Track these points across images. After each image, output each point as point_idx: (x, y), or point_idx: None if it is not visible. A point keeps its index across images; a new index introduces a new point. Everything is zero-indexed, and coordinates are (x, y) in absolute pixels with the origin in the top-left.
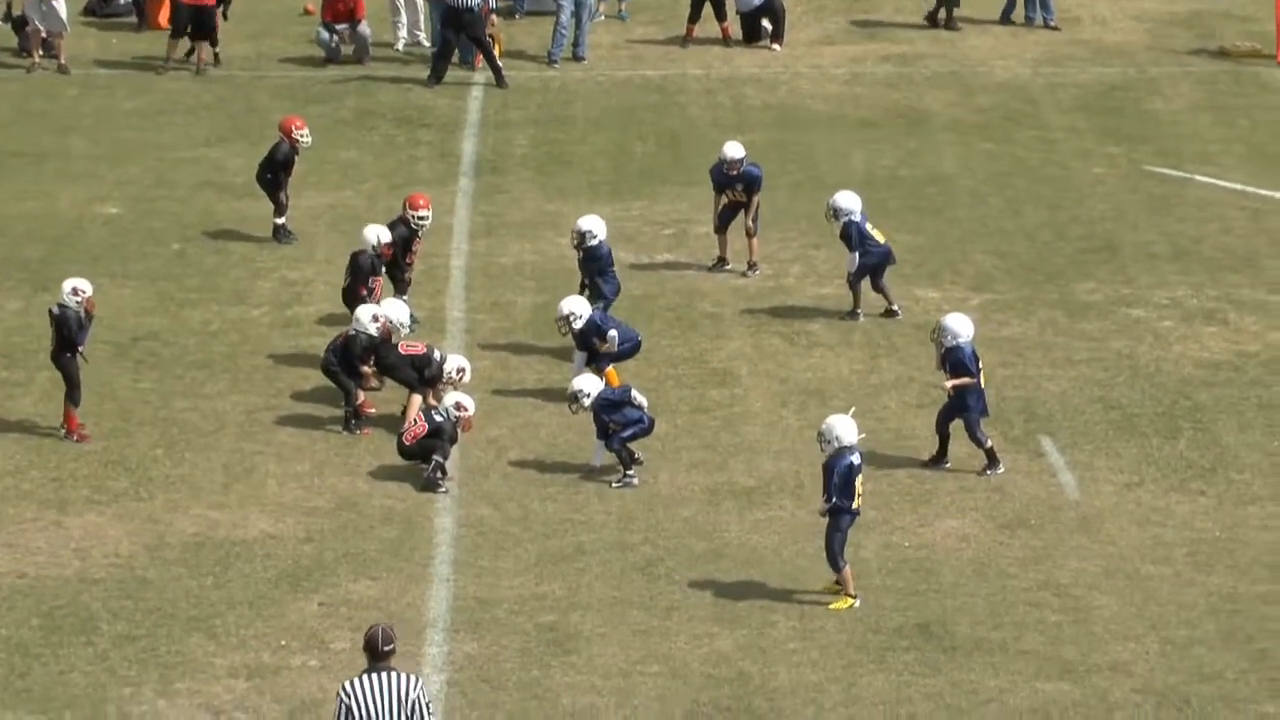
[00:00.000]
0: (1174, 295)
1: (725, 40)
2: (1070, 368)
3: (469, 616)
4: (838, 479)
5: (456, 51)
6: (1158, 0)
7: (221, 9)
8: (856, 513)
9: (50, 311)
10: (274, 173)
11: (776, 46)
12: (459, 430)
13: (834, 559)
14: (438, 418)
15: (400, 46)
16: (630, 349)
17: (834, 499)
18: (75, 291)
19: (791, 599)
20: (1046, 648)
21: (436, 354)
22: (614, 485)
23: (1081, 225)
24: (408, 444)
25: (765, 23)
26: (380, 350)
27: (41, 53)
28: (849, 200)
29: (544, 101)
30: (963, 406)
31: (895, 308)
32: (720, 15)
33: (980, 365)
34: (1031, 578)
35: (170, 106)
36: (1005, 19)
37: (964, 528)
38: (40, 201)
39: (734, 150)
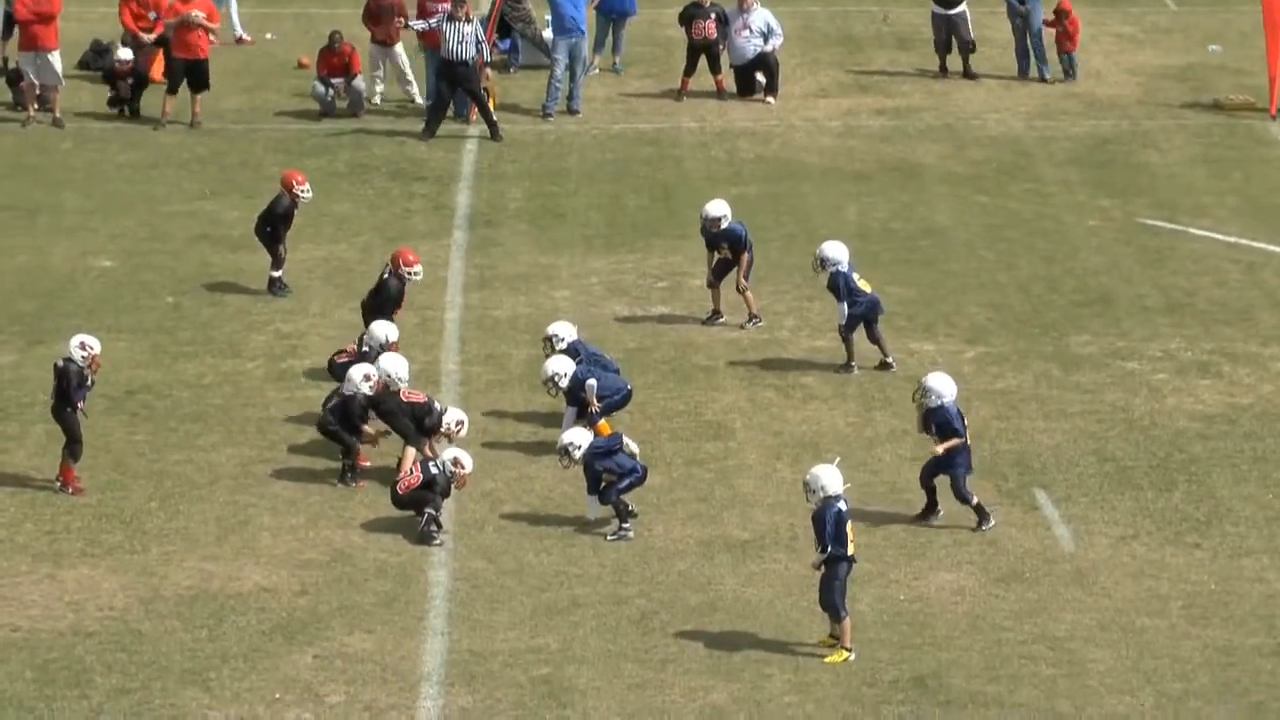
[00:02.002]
0: (1168, 348)
1: (720, 93)
2: (1065, 420)
3: (464, 669)
4: (830, 527)
5: (451, 105)
6: (1151, 54)
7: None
8: (853, 560)
9: (55, 365)
10: (273, 225)
11: (771, 99)
12: (453, 486)
13: (835, 609)
14: (433, 469)
15: (378, 100)
16: (620, 400)
17: (829, 548)
18: (83, 346)
19: (787, 652)
20: (1042, 701)
21: (436, 405)
22: (609, 538)
23: (1075, 278)
24: (401, 494)
25: (759, 76)
26: (380, 398)
27: (36, 106)
28: (836, 250)
29: (538, 154)
30: (949, 464)
31: (890, 360)
32: (715, 68)
33: (966, 423)
34: (1026, 631)
35: (164, 160)
36: (1022, 74)
37: (959, 580)
38: (33, 255)
39: (715, 209)
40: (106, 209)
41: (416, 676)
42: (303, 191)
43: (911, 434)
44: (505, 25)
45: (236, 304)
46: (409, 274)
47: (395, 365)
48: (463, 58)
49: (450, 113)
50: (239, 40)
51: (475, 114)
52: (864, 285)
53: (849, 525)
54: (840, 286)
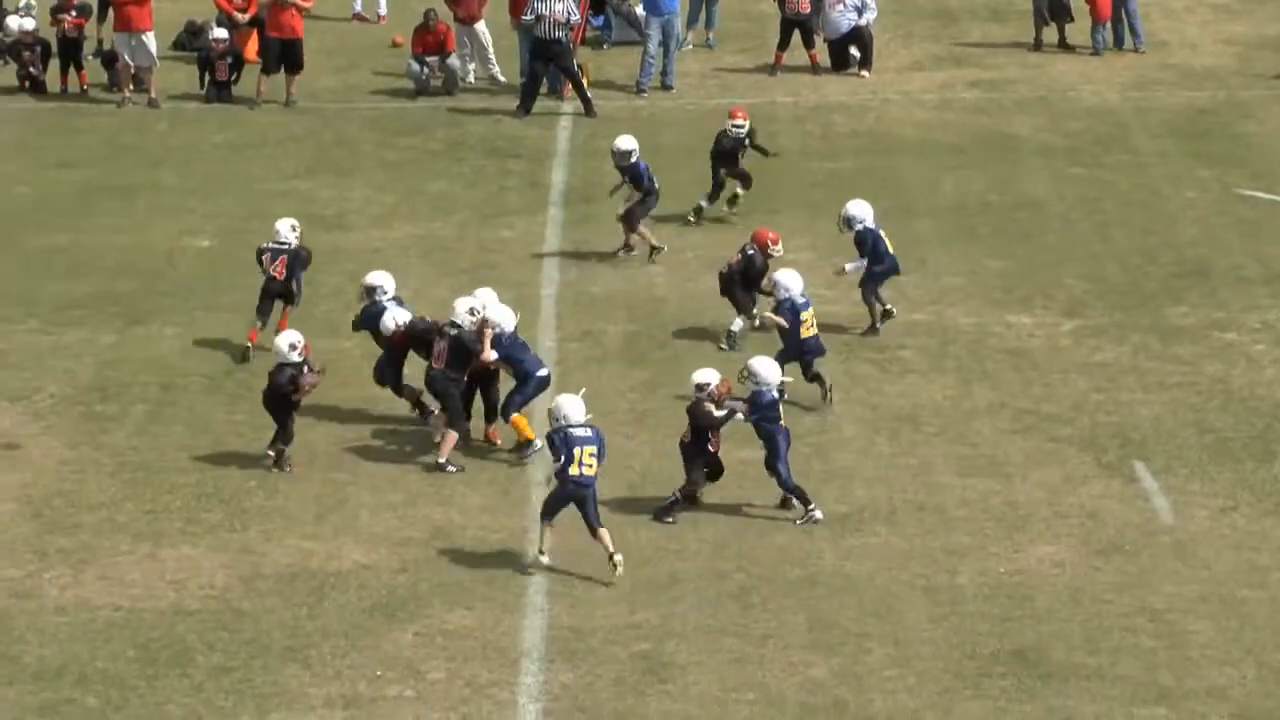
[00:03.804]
0: (1266, 319)
1: (814, 68)
2: (1163, 392)
3: (564, 646)
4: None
5: (545, 81)
6: (1247, 24)
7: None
8: (579, 482)
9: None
10: None
11: (865, 73)
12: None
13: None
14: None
15: (472, 79)
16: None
17: (560, 461)
18: (292, 347)
19: (886, 626)
20: (1142, 673)
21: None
22: (798, 523)
23: (1173, 249)
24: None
25: (854, 50)
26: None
27: (132, 88)
28: (861, 209)
29: (633, 130)
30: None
31: (889, 307)
32: (808, 43)
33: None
34: (1126, 603)
35: (260, 139)
36: (1095, 45)
37: (1058, 553)
38: (132, 235)
39: (623, 143)
40: (204, 189)
41: (517, 653)
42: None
43: (1010, 406)
44: (599, 2)
45: (333, 283)
46: (774, 253)
47: (503, 314)
48: (556, 35)
49: (544, 89)
50: (356, 17)
51: (569, 90)
52: (889, 246)
53: (583, 449)
54: (868, 243)
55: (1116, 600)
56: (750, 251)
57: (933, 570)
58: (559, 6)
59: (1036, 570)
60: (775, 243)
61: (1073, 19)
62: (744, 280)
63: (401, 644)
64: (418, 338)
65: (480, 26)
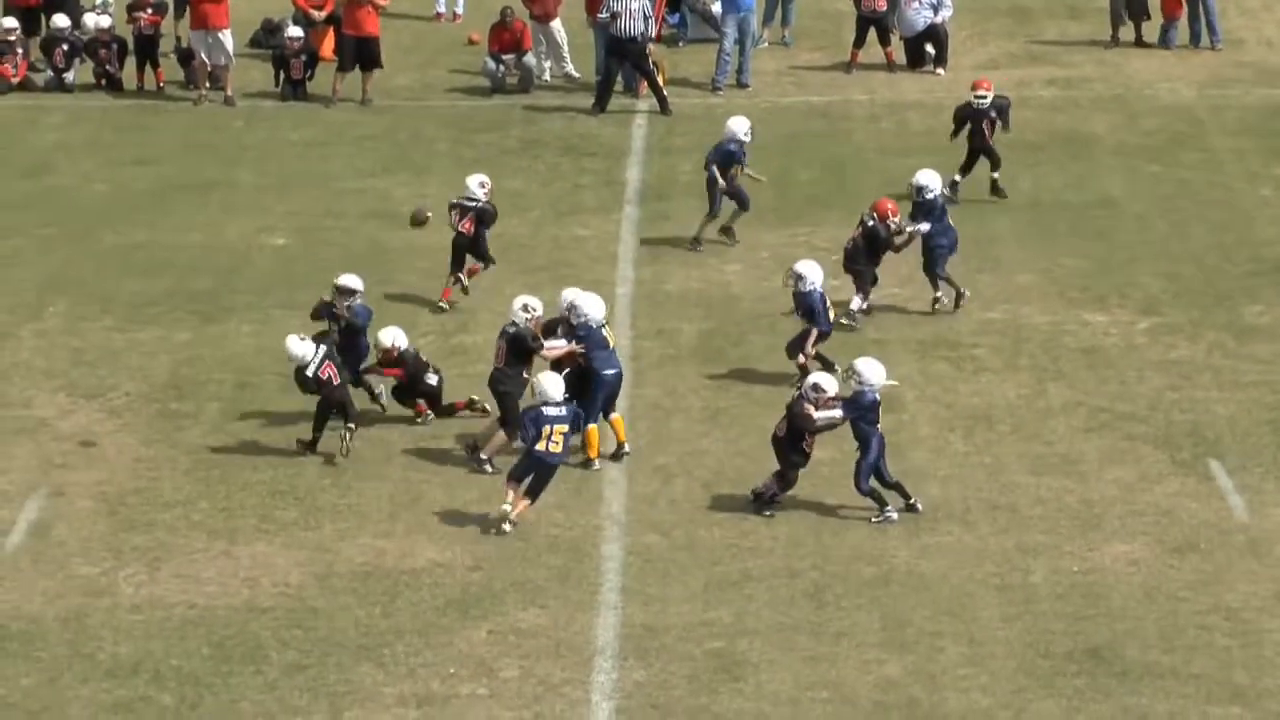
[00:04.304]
0: None
1: (889, 65)
2: (1239, 390)
3: (637, 644)
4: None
5: (620, 79)
6: None
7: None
8: (549, 459)
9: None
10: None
11: (941, 71)
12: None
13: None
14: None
15: (547, 77)
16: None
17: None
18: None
19: (960, 624)
20: (1217, 672)
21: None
22: (874, 521)
23: (1249, 247)
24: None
25: (929, 47)
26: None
27: (208, 85)
28: (930, 177)
29: (709, 128)
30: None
31: (940, 297)
32: (884, 40)
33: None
34: (1201, 601)
35: (336, 137)
36: (1165, 42)
37: (1133, 551)
38: (207, 233)
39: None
40: (279, 186)
41: (590, 651)
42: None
43: (1085, 405)
44: (674, 0)
45: (407, 280)
46: (893, 224)
47: (592, 304)
48: (631, 34)
49: (620, 87)
50: (438, 16)
51: (644, 88)
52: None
53: (553, 427)
54: (938, 209)
55: (1191, 599)
56: (870, 222)
57: (1006, 569)
58: (635, 5)
59: (1111, 569)
60: (895, 213)
61: (1149, 17)
62: (869, 252)
63: (475, 642)
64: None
65: (556, 24)
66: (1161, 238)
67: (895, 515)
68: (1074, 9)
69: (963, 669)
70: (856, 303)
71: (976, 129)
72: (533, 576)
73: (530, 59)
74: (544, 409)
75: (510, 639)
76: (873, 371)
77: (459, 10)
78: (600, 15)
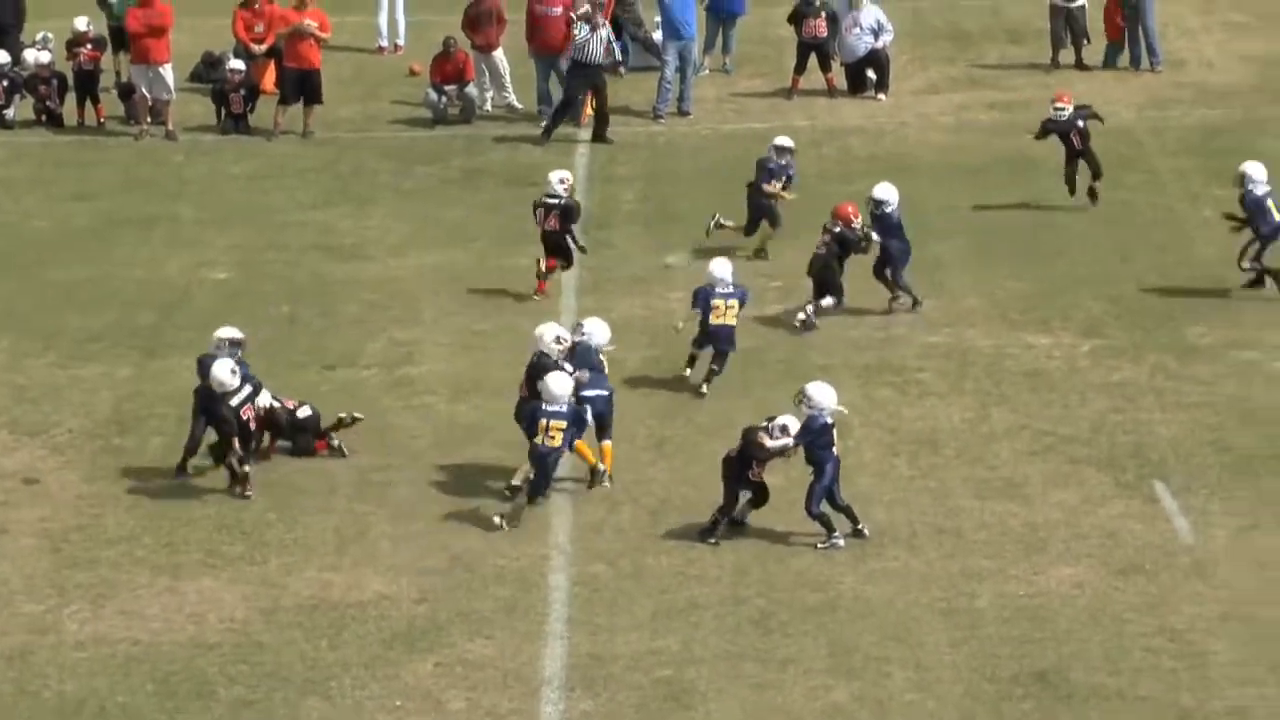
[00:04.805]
0: None
1: (830, 91)
2: (1182, 411)
3: (584, 673)
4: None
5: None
6: (1264, 41)
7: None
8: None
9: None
10: None
11: (882, 96)
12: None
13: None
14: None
15: (489, 107)
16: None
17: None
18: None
19: (907, 650)
20: (1164, 694)
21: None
22: (820, 546)
23: (1191, 268)
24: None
25: (870, 73)
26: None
27: (149, 120)
28: (887, 191)
29: (650, 156)
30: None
31: (900, 296)
32: (825, 66)
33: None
34: (1147, 623)
35: (277, 170)
36: (1110, 64)
37: (1078, 574)
38: (149, 268)
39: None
40: (221, 220)
41: (537, 681)
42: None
43: (1030, 428)
44: (617, 28)
45: (350, 312)
46: (856, 225)
47: (599, 328)
48: (594, 60)
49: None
50: (380, 49)
51: (586, 117)
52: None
53: (549, 421)
54: (894, 224)
55: (1137, 621)
56: (837, 229)
57: (952, 593)
58: (604, 31)
59: (1056, 592)
60: (856, 215)
61: (1090, 40)
62: (842, 257)
63: (422, 674)
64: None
65: (498, 54)
66: (1103, 260)
67: (842, 542)
68: (1014, 33)
69: (910, 694)
70: (828, 301)
71: (1066, 142)
72: (479, 607)
73: (472, 89)
74: (543, 405)
75: (457, 670)
76: (823, 395)
77: (400, 42)
78: (575, 36)
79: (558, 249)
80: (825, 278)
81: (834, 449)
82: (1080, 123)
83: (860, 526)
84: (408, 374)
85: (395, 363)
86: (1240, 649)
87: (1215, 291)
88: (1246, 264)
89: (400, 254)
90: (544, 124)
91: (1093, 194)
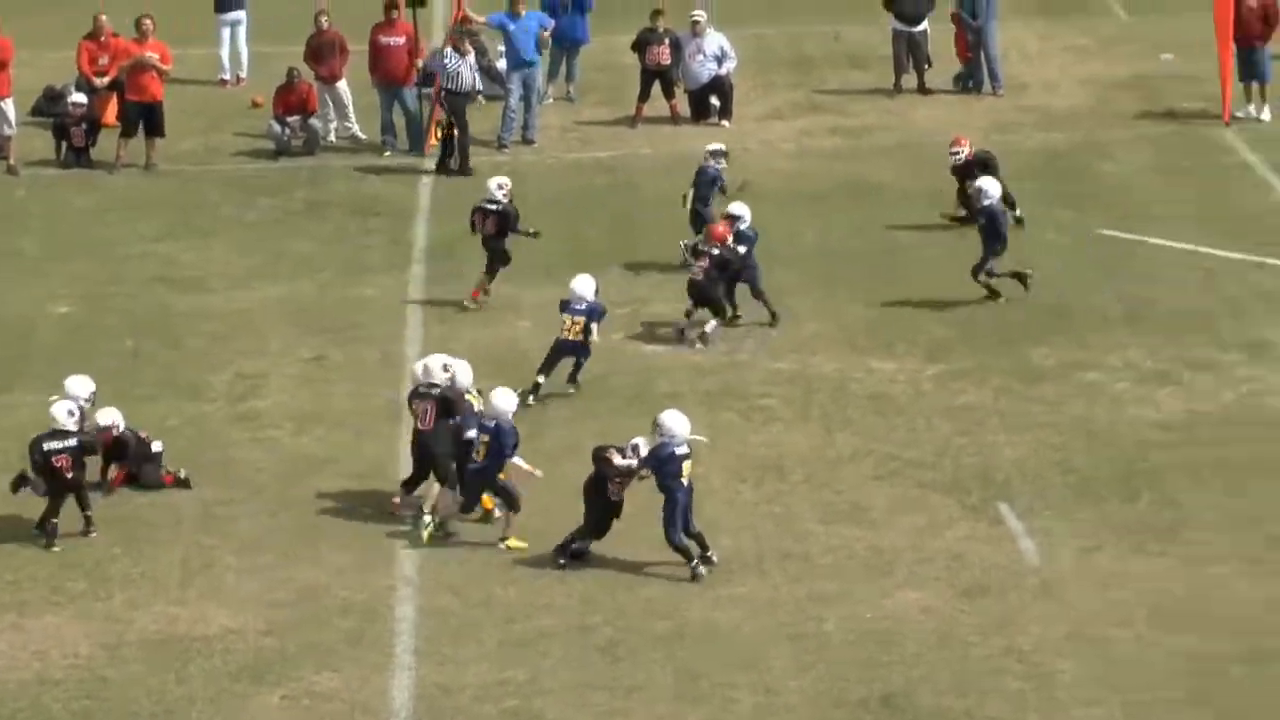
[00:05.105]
0: (1128, 358)
1: (674, 118)
2: (1027, 433)
3: (432, 704)
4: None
5: (407, 139)
6: (1104, 64)
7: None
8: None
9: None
10: None
11: (725, 123)
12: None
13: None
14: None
15: (332, 138)
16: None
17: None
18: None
19: (753, 675)
20: (1010, 714)
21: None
22: (696, 571)
23: (1034, 290)
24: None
25: (714, 99)
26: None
27: None
28: (743, 209)
29: None
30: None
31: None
32: (668, 93)
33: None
34: (993, 645)
35: (119, 204)
36: (963, 86)
37: (925, 598)
38: None
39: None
40: (63, 254)
41: (385, 713)
42: None
43: (875, 453)
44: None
45: (195, 345)
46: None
47: (464, 368)
48: (464, 89)
49: (405, 146)
50: (222, 81)
51: (431, 146)
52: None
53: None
54: (751, 239)
55: (983, 642)
56: (715, 251)
57: (799, 618)
58: (472, 59)
59: (903, 615)
60: (728, 233)
61: (931, 64)
62: (723, 278)
63: (269, 707)
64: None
65: (341, 85)
66: (947, 283)
67: (704, 570)
68: (856, 58)
69: None
70: (713, 325)
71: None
72: (326, 640)
73: (315, 121)
74: (484, 422)
75: (305, 703)
76: (675, 424)
77: (243, 74)
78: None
79: (495, 253)
80: (708, 300)
81: (683, 478)
82: (976, 169)
83: (709, 554)
84: (254, 407)
85: (241, 395)
86: (1086, 668)
87: (1058, 313)
88: (983, 278)
89: (244, 286)
90: (457, 157)
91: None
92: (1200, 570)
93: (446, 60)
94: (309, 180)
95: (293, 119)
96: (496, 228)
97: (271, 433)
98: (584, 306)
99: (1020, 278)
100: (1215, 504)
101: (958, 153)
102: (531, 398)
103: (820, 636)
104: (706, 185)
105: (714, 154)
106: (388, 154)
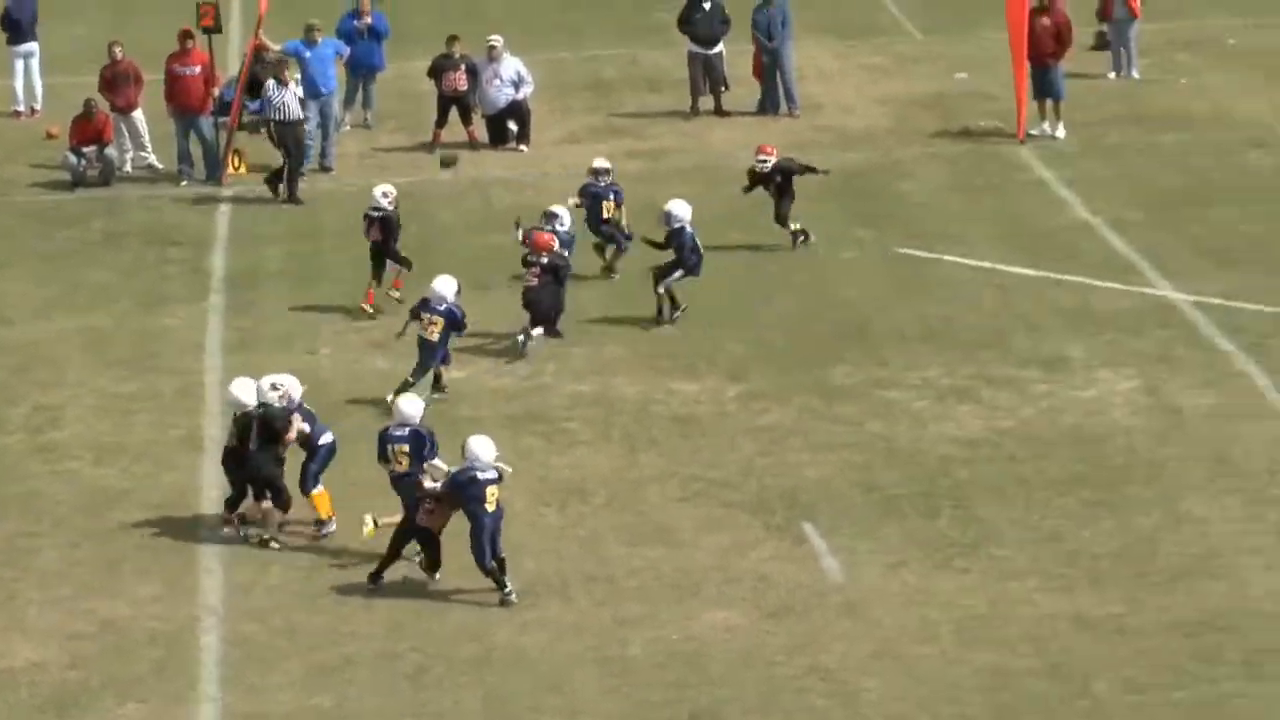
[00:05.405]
0: (927, 375)
1: (472, 143)
2: (829, 452)
3: None
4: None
5: (204, 168)
6: (901, 83)
7: None
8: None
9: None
10: None
11: (523, 147)
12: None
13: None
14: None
15: (129, 169)
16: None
17: None
18: (274, 386)
19: (560, 699)
20: None
21: None
22: (507, 597)
23: (833, 310)
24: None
25: (511, 124)
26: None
27: None
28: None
29: (294, 214)
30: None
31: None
32: (466, 119)
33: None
34: (799, 664)
35: None
36: (762, 109)
37: (730, 618)
38: None
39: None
40: None
41: None
42: None
43: (679, 474)
44: (255, 85)
45: None
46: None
47: (293, 384)
48: (294, 119)
49: (201, 175)
50: (15, 113)
51: (228, 177)
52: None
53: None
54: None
55: (789, 662)
56: (545, 260)
57: (605, 641)
58: (294, 87)
59: (709, 636)
60: (552, 242)
61: (728, 87)
62: (557, 285)
63: None
64: None
65: (137, 114)
66: (747, 304)
67: (515, 598)
68: (653, 81)
69: None
70: (538, 331)
71: (775, 188)
72: (131, 671)
73: (111, 151)
74: (390, 431)
75: None
76: (479, 448)
77: (38, 105)
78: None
79: (382, 258)
80: (540, 308)
81: (488, 503)
82: (778, 176)
83: (507, 591)
84: (52, 439)
85: (39, 427)
86: (891, 685)
87: (857, 332)
88: (662, 289)
89: (43, 317)
90: (281, 187)
91: (795, 236)
92: (1003, 586)
93: (271, 93)
94: (106, 211)
95: (89, 149)
96: (382, 233)
97: (71, 464)
98: (443, 307)
99: (801, 234)
100: (1016, 519)
101: (765, 161)
102: (391, 396)
103: (626, 659)
104: (591, 202)
105: (598, 171)
106: (185, 183)
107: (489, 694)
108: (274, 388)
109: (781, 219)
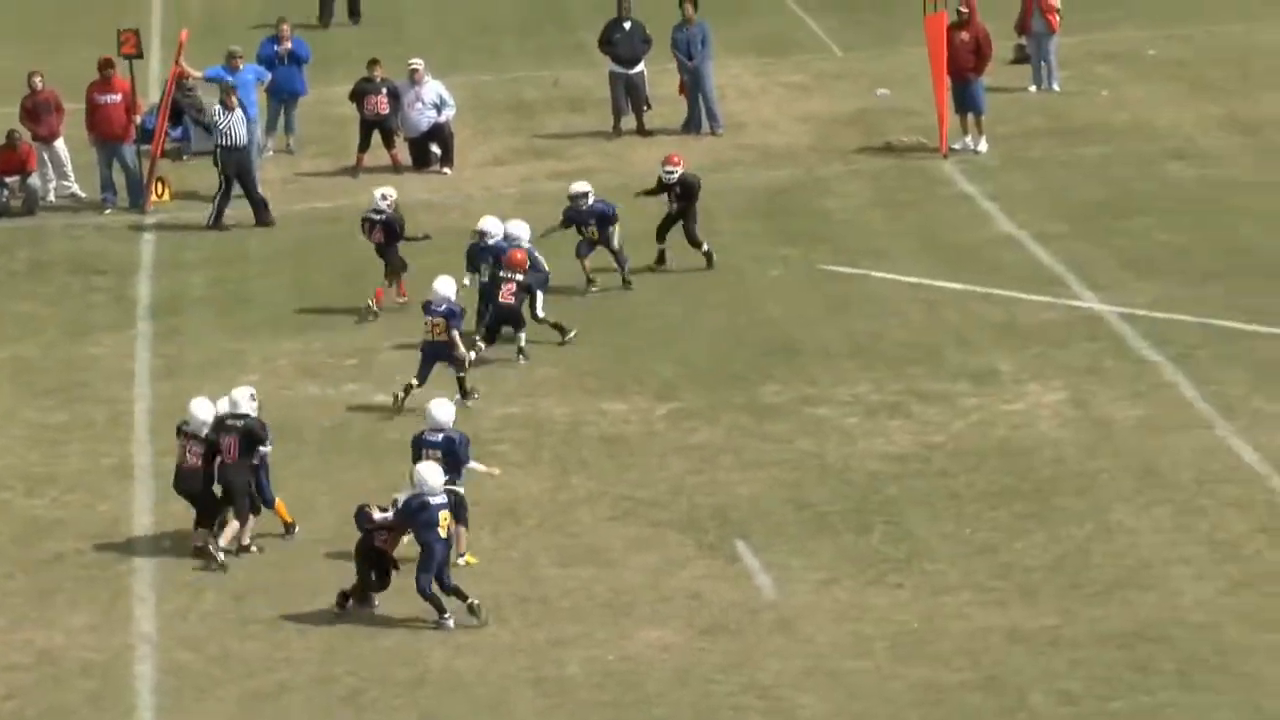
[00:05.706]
0: (857, 391)
1: (395, 167)
2: (760, 470)
3: None
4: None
5: (127, 196)
6: (822, 101)
7: None
8: None
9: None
10: None
11: (447, 170)
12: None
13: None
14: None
15: (52, 198)
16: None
17: None
18: (252, 397)
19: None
20: None
21: None
22: (441, 621)
23: (761, 328)
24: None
25: (434, 147)
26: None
27: None
28: (493, 224)
29: (219, 240)
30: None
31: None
32: (389, 143)
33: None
34: (734, 681)
35: None
36: (687, 127)
37: (665, 637)
38: None
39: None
40: None
41: None
42: None
43: (609, 494)
44: (177, 112)
45: None
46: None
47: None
48: (241, 144)
49: (125, 203)
50: None
51: (152, 204)
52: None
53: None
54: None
55: (724, 679)
56: (519, 277)
57: (540, 661)
58: (239, 113)
59: (644, 655)
60: (524, 261)
61: (650, 106)
62: (531, 299)
63: None
64: None
65: (59, 144)
66: (675, 324)
67: (452, 623)
68: (575, 102)
69: None
70: (523, 337)
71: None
72: (67, 701)
73: (35, 180)
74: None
75: None
76: (428, 475)
77: None
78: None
79: (388, 259)
80: (516, 322)
81: (440, 529)
82: (678, 189)
83: (471, 601)
84: None
85: None
86: (826, 701)
87: (785, 349)
88: (542, 316)
89: None
90: (211, 212)
91: (709, 257)
92: (936, 600)
93: (218, 120)
94: (30, 240)
95: (11, 179)
96: (385, 236)
97: (2, 495)
98: (443, 308)
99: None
100: (948, 534)
101: (671, 172)
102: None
103: (563, 679)
104: (592, 221)
105: (578, 196)
106: (108, 211)
107: (425, 716)
108: (251, 397)
109: (692, 240)
